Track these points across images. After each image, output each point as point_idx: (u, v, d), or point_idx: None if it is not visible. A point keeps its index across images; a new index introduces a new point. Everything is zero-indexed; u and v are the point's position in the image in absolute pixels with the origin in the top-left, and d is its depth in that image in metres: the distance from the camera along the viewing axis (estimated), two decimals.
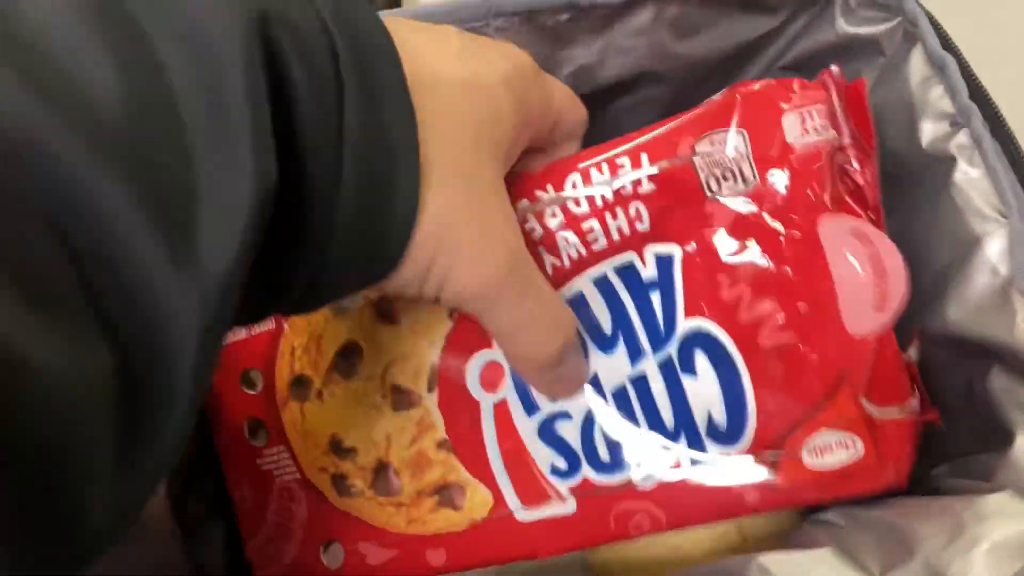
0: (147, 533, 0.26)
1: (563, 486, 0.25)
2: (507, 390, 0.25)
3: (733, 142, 0.23)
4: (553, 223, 0.25)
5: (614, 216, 0.24)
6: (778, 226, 0.23)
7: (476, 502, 0.26)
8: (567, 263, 0.25)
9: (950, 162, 0.24)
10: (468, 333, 0.26)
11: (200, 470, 0.30)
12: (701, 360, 0.24)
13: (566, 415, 0.25)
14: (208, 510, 0.30)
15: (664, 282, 0.24)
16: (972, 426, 0.22)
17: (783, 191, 0.23)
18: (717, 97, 0.24)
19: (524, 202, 0.25)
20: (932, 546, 0.19)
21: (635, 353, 0.24)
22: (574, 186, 0.24)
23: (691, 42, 0.28)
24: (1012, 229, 0.22)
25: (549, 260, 0.25)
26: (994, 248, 0.23)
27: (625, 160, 0.24)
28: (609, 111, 0.30)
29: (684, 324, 0.24)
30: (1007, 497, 0.19)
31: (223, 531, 0.30)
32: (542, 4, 0.26)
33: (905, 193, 0.26)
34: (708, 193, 0.24)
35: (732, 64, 0.30)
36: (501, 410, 0.25)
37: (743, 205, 0.23)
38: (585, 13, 0.27)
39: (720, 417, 0.23)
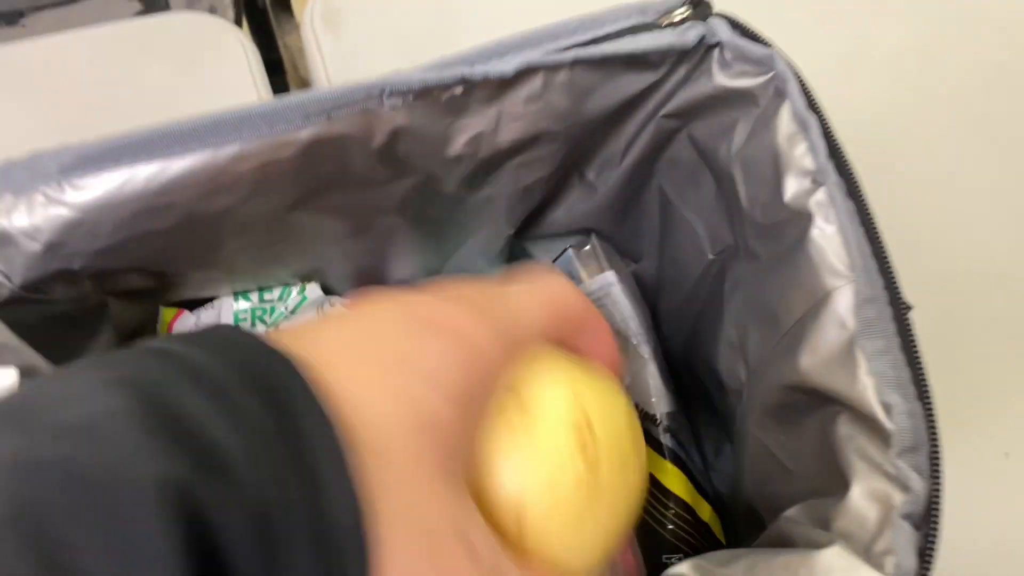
0: None
1: None
2: None
3: None
4: None
5: None
6: None
7: None
8: None
9: (808, 217, 0.26)
10: None
11: None
12: None
13: None
14: None
15: None
16: (821, 470, 0.24)
17: None
18: None
19: None
20: None
21: None
22: None
23: (581, 102, 0.30)
24: (856, 288, 0.24)
25: None
26: (843, 303, 0.24)
27: None
28: (505, 168, 0.31)
29: None
30: (836, 552, 0.21)
31: None
32: (436, 81, 0.27)
33: (770, 243, 0.28)
34: None
35: (619, 115, 0.31)
36: None
37: None
38: (478, 86, 0.28)
39: None
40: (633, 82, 0.30)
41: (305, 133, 0.26)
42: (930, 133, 0.48)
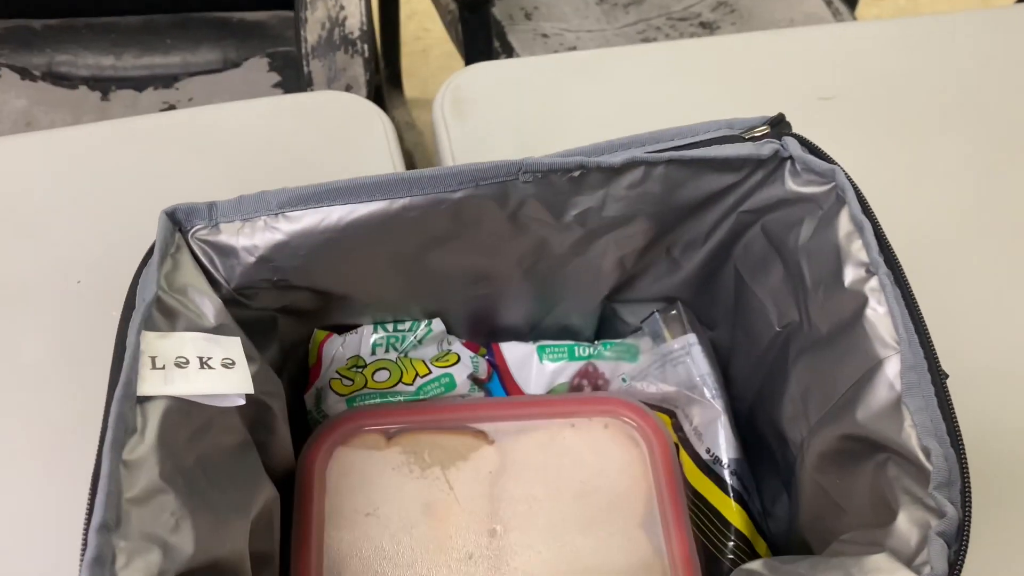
0: None
1: None
2: None
3: None
4: None
5: None
6: None
7: None
8: None
9: (864, 299, 0.32)
10: None
11: None
12: None
13: None
14: None
15: None
16: (871, 505, 0.30)
17: None
18: None
19: None
20: None
21: None
22: None
23: (673, 193, 0.37)
24: (903, 356, 0.30)
25: None
26: (892, 369, 0.30)
27: None
28: (605, 239, 0.38)
29: None
30: (883, 557, 0.26)
31: None
32: (560, 164, 0.34)
33: (831, 319, 0.34)
34: None
35: (704, 207, 0.38)
36: None
37: None
38: (592, 172, 0.35)
39: None
40: (717, 181, 0.37)
41: (458, 194, 0.34)
42: (979, 237, 0.55)
